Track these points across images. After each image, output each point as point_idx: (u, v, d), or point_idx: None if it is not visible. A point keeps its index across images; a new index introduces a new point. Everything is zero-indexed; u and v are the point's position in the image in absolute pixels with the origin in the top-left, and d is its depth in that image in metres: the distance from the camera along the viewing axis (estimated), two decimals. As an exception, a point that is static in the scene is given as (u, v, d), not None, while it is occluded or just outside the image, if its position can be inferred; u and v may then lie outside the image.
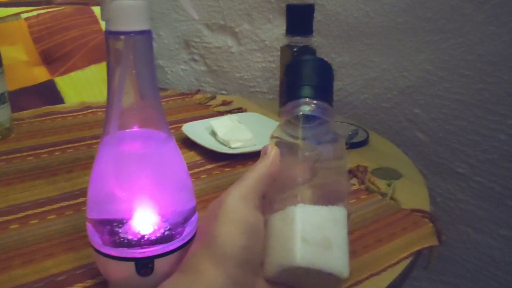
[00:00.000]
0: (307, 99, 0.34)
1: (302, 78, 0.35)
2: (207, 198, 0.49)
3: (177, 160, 0.35)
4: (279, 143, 0.34)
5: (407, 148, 0.77)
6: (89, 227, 0.33)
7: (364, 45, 0.78)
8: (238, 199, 0.30)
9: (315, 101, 0.34)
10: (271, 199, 0.33)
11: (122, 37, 0.31)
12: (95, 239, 0.33)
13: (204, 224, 0.31)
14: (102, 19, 0.30)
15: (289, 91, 0.36)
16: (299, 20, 0.68)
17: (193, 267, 0.29)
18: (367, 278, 0.37)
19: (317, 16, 0.81)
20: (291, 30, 0.69)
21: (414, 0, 0.70)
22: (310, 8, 0.68)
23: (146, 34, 0.31)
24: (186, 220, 0.34)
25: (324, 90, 0.35)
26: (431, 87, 0.71)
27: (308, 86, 0.35)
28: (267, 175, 0.32)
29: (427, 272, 0.78)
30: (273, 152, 0.33)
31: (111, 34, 0.31)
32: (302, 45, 0.68)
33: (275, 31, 0.91)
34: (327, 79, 0.36)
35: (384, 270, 0.38)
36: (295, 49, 0.69)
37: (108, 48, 0.31)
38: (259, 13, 0.91)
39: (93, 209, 0.33)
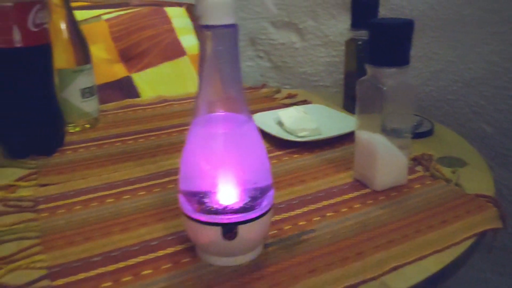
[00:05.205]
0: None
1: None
2: (278, 180, 0.53)
3: (256, 140, 0.39)
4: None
5: (473, 140, 0.77)
6: (181, 197, 0.38)
7: (429, 37, 0.79)
8: None
9: None
10: None
11: (212, 30, 0.35)
12: (186, 207, 0.38)
13: None
14: (196, 15, 0.35)
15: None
16: (364, 14, 0.71)
17: None
18: (431, 254, 0.40)
19: (381, 10, 0.83)
20: (356, 24, 0.72)
21: (481, -9, 0.70)
22: (375, 2, 0.70)
23: (232, 28, 0.36)
24: (263, 194, 0.38)
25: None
26: (497, 78, 0.71)
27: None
28: None
29: (490, 254, 0.77)
30: None
31: (203, 28, 0.35)
32: (366, 38, 0.71)
33: (339, 26, 0.93)
34: None
35: (448, 247, 0.41)
36: (359, 42, 0.71)
37: (201, 40, 0.36)
38: (324, 9, 0.94)
39: (184, 182, 0.38)
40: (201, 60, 0.36)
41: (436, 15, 0.77)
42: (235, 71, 0.37)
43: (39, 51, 0.58)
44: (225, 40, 0.36)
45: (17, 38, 0.54)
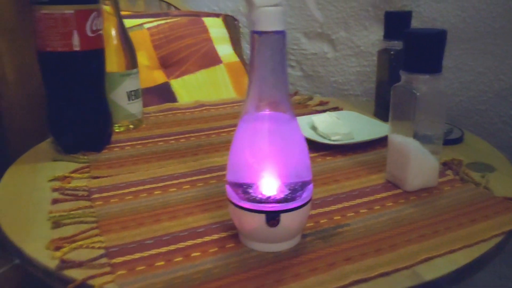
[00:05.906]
0: None
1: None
2: (313, 179, 0.56)
3: (299, 138, 0.42)
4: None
5: (502, 149, 0.78)
6: (228, 187, 0.42)
7: (460, 49, 0.81)
8: None
9: None
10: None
11: (263, 36, 0.39)
12: (233, 195, 0.41)
13: None
14: (249, 22, 0.39)
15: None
16: (397, 26, 0.74)
17: None
18: (461, 248, 0.42)
19: (414, 22, 0.86)
20: (388, 35, 0.75)
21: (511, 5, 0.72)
22: (407, 15, 0.73)
23: (281, 34, 0.39)
24: (303, 187, 0.41)
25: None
26: (529, 89, 0.73)
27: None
28: None
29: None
30: None
31: (255, 33, 0.39)
32: (399, 48, 0.74)
33: (370, 37, 0.96)
34: None
35: (477, 243, 0.43)
36: (392, 52, 0.74)
37: (252, 44, 0.39)
38: (356, 20, 0.98)
39: (231, 173, 0.42)
40: (252, 62, 0.40)
41: (467, 27, 0.79)
42: (282, 74, 0.40)
43: (94, 55, 0.63)
44: (275, 45, 0.39)
45: (75, 43, 0.59)
